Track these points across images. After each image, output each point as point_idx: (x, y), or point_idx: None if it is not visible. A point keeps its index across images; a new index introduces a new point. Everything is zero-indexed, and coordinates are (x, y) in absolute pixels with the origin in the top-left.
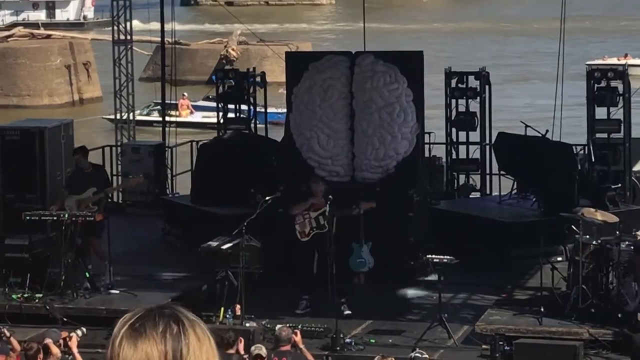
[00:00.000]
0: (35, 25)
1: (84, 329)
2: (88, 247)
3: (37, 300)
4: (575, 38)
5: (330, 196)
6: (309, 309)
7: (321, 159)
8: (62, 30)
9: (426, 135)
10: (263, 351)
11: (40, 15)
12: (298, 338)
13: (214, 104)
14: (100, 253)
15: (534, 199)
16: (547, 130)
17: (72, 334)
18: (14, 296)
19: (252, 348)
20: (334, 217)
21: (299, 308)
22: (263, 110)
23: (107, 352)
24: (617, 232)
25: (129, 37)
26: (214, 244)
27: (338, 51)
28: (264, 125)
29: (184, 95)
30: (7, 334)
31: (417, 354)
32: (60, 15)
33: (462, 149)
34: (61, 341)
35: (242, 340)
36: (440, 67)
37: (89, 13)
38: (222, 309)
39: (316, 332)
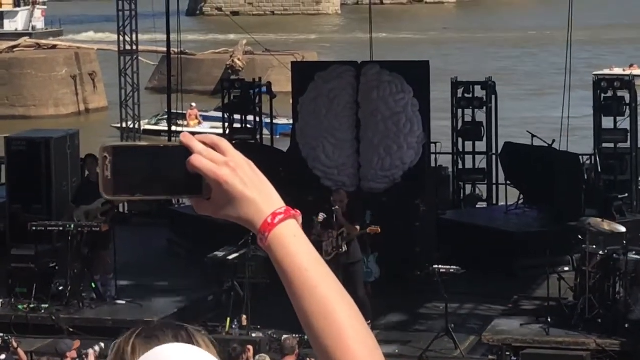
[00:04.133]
0: None
1: (102, 344)
2: (94, 258)
3: (43, 311)
4: (599, 47)
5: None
6: None
7: (327, 169)
8: (11, 40)
9: (432, 145)
10: None
11: None
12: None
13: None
14: (106, 266)
15: (538, 211)
16: (553, 140)
17: (90, 349)
18: (20, 306)
19: (257, 358)
20: (351, 242)
21: None
22: (269, 120)
23: None
24: (624, 242)
25: (134, 48)
26: (220, 254)
27: (344, 61)
28: (270, 136)
29: (192, 105)
30: (15, 344)
31: None
32: (9, 26)
33: (469, 159)
34: (74, 352)
35: (251, 348)
36: (450, 77)
37: (39, 23)
38: (229, 319)
39: None
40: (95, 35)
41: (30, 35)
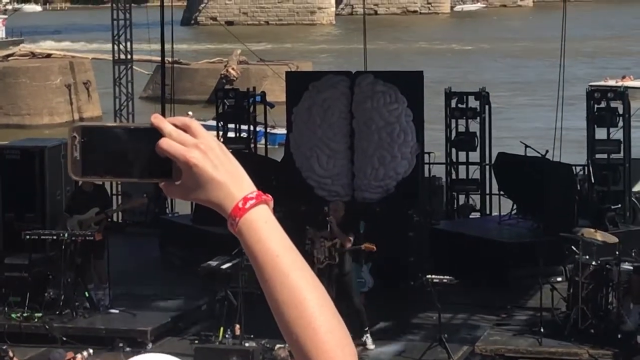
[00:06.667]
0: None
1: (91, 350)
2: (88, 267)
3: (36, 320)
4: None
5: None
6: None
7: (321, 179)
8: None
9: (426, 156)
10: None
11: None
12: None
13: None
14: (101, 275)
15: (531, 221)
16: (547, 151)
17: (78, 354)
18: (13, 315)
19: None
20: (344, 253)
21: None
22: (265, 130)
23: None
24: (617, 253)
25: (129, 57)
26: (213, 263)
27: (338, 71)
28: (265, 145)
29: (189, 114)
30: (11, 354)
31: None
32: None
33: (462, 169)
34: None
35: None
36: (444, 88)
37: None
38: (222, 328)
39: None
40: (58, 45)
41: None
